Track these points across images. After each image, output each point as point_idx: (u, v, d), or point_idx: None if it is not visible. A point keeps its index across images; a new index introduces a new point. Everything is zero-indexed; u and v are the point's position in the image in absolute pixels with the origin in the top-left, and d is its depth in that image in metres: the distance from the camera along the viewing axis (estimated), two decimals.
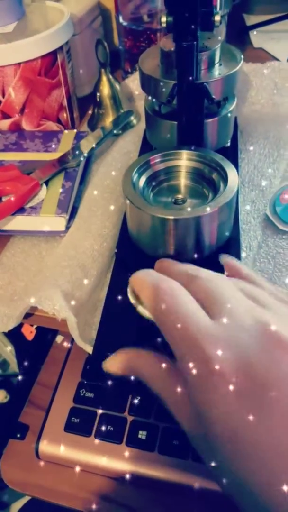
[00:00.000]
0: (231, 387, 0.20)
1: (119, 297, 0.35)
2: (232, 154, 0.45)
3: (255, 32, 0.69)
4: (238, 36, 0.69)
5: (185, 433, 0.23)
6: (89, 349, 0.33)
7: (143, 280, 0.28)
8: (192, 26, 0.32)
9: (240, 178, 0.45)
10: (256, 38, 0.68)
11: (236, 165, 0.45)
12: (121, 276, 0.36)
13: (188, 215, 0.32)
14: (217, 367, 0.21)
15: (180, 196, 0.37)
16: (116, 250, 0.37)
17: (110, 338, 0.33)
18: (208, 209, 0.32)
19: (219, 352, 0.21)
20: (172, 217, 0.32)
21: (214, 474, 0.22)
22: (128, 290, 0.29)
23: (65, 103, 0.53)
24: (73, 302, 0.33)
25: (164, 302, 0.24)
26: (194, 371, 0.21)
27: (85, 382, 0.32)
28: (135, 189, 0.35)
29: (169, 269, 0.29)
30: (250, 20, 0.73)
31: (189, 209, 0.35)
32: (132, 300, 0.29)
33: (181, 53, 0.34)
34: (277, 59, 0.62)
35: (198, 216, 0.32)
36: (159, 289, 0.25)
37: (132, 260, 0.37)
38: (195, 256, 0.35)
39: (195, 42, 0.33)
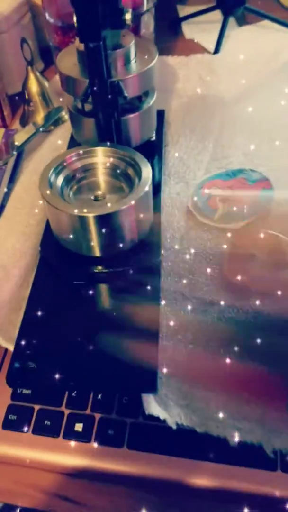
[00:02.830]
0: None
1: (43, 295, 0.36)
2: (157, 147, 0.46)
3: (187, 23, 0.70)
4: (170, 27, 0.70)
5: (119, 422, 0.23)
6: (11, 347, 0.33)
7: None
8: (95, 27, 0.32)
9: (166, 170, 0.46)
10: (188, 29, 0.69)
11: (160, 158, 0.46)
12: (45, 274, 0.37)
13: (104, 211, 0.33)
14: None
15: (99, 193, 0.38)
16: (40, 249, 0.38)
17: (32, 337, 0.33)
18: (122, 204, 0.33)
19: None
20: (88, 215, 0.33)
21: None
22: None
23: None
24: None
25: None
26: None
27: (8, 385, 0.33)
28: (53, 189, 0.35)
29: None
30: (184, 11, 0.74)
31: (107, 205, 0.36)
32: None
33: (89, 53, 0.34)
34: (207, 50, 0.63)
35: (113, 212, 0.33)
36: None
37: (57, 258, 0.37)
38: (119, 249, 0.36)
39: (101, 43, 0.33)
